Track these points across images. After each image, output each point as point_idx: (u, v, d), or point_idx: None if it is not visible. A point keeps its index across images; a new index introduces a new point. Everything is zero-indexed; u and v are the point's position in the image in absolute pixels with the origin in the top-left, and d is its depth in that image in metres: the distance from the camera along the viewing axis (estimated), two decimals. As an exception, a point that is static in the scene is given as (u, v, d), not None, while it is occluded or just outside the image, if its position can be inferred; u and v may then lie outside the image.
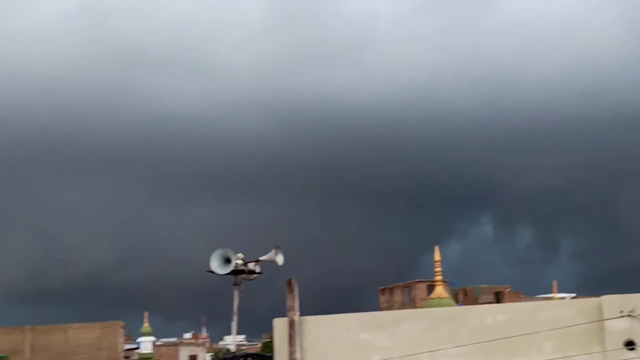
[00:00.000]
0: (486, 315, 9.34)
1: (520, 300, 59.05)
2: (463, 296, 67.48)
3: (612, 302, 8.59)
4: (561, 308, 9.30)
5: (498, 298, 67.21)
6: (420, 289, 67.92)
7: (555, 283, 41.68)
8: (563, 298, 44.01)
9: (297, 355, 9.54)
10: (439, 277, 19.43)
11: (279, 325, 9.70)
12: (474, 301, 63.61)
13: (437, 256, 19.46)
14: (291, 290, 9.35)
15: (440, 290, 18.91)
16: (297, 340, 9.53)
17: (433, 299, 18.88)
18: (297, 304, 9.44)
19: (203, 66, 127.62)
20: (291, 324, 9.44)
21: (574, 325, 8.74)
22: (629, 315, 8.38)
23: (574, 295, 54.77)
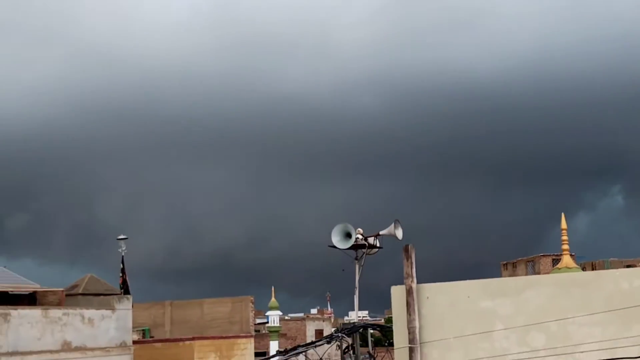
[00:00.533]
0: (622, 280, 8.63)
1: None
2: (591, 270, 64.54)
3: None
4: None
5: (631, 271, 63.73)
6: (545, 263, 65.51)
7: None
8: None
9: (415, 323, 9.27)
10: (565, 247, 18.41)
11: (397, 293, 9.45)
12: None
13: (563, 224, 18.43)
14: (408, 257, 9.07)
15: (567, 260, 17.89)
16: (415, 308, 9.25)
17: (560, 268, 17.91)
18: (414, 271, 9.15)
19: (322, 48, 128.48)
20: (409, 291, 9.17)
21: None
22: None
23: None
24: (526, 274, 70.33)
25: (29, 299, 25.12)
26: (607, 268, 66.38)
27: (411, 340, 9.29)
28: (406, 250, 9.18)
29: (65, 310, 23.44)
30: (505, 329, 8.78)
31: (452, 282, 9.49)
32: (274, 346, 30.44)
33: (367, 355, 14.01)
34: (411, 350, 9.27)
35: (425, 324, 9.34)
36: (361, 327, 13.40)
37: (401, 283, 9.51)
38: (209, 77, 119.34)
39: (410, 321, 9.25)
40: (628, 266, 66.42)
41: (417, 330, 9.28)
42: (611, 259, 68.81)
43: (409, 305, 9.26)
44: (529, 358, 8.58)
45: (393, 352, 9.78)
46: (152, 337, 32.83)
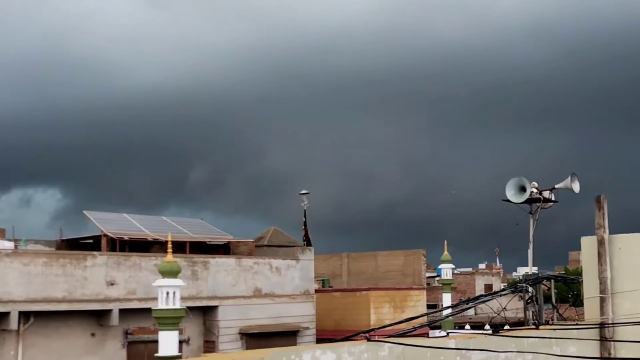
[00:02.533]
0: None
1: None
2: None
3: None
4: None
5: None
6: None
7: None
8: None
9: (607, 274, 9.41)
10: None
11: (587, 244, 9.62)
12: None
13: None
14: (600, 207, 9.19)
15: None
16: (607, 259, 9.39)
17: None
18: (606, 222, 9.27)
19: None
20: (600, 242, 9.31)
21: None
22: None
23: None
24: None
25: (224, 249, 27.50)
26: None
27: (602, 291, 9.46)
28: (598, 200, 9.30)
29: (256, 260, 25.45)
30: None
31: (644, 233, 9.50)
32: (446, 299, 30.96)
33: (551, 306, 14.17)
34: (602, 300, 9.45)
35: (616, 275, 9.46)
36: (545, 277, 13.57)
37: (576, 239, 9.66)
38: (373, 34, 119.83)
39: (601, 271, 9.41)
40: None
41: (608, 281, 9.43)
42: None
43: (600, 255, 9.41)
44: None
45: (576, 309, 9.94)
46: (331, 286, 34.57)
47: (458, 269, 71.38)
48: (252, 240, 28.01)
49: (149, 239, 25.12)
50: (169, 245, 18.30)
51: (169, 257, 18.10)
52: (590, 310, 9.69)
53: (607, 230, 9.30)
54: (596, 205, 9.22)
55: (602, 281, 9.36)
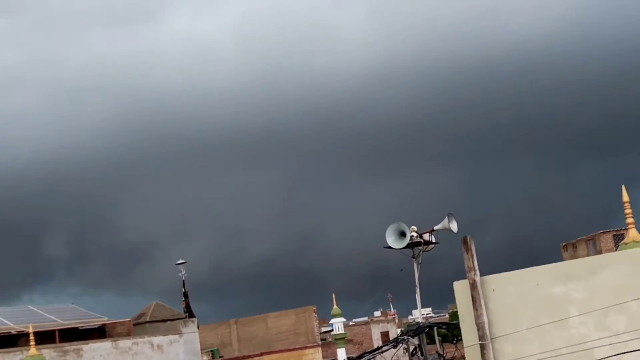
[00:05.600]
0: None
1: None
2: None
3: None
4: None
5: None
6: (606, 241, 63.45)
7: None
8: None
9: (484, 318, 8.86)
10: (629, 220, 17.60)
11: (460, 289, 9.07)
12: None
13: (625, 197, 17.65)
14: (468, 249, 8.69)
15: (633, 234, 17.10)
16: (482, 303, 8.85)
17: (627, 243, 17.14)
18: (475, 263, 8.76)
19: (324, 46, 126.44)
20: (472, 285, 8.78)
21: None
22: None
23: None
24: (587, 254, 68.40)
25: (99, 332, 25.49)
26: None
27: (481, 337, 8.90)
28: (465, 242, 8.79)
29: (135, 340, 23.68)
30: (581, 314, 8.32)
31: (518, 271, 9.06)
32: (341, 354, 30.19)
33: (437, 355, 13.62)
34: (482, 347, 8.88)
35: (494, 318, 8.93)
36: (426, 327, 13.02)
37: (463, 277, 9.13)
38: (247, 89, 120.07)
39: (478, 317, 8.86)
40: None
41: (486, 326, 8.88)
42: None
43: (474, 299, 8.87)
44: (611, 343, 8.10)
45: (462, 347, 9.40)
46: (222, 356, 32.94)
47: (353, 320, 70.91)
48: (129, 319, 26.20)
49: (13, 332, 23.01)
50: (32, 337, 16.91)
51: (32, 350, 16.97)
52: (473, 358, 9.12)
53: (477, 272, 8.80)
54: (463, 247, 8.71)
55: (480, 327, 8.80)
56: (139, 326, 26.26)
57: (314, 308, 35.77)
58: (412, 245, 17.27)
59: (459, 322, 9.61)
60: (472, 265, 8.74)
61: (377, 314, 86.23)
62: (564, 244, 72.25)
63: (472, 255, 8.73)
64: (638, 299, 8.02)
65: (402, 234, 17.48)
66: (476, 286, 8.78)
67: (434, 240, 17.92)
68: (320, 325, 42.26)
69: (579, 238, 70.40)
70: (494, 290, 8.93)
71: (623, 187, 19.22)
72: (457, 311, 9.52)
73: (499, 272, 9.17)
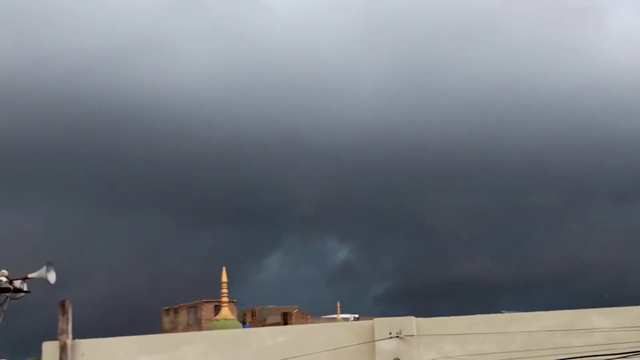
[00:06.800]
0: (267, 337, 9.46)
1: (306, 321, 60.70)
2: (251, 317, 67.98)
3: (382, 325, 9.11)
4: (337, 330, 9.68)
5: (285, 319, 68.51)
6: (207, 310, 67.25)
7: (339, 304, 43.48)
8: (346, 319, 45.99)
9: (68, 381, 8.97)
10: (225, 299, 19.39)
11: (49, 350, 9.09)
12: (262, 322, 64.31)
13: (223, 277, 19.47)
14: (64, 312, 8.80)
15: (225, 312, 18.90)
16: (69, 366, 8.97)
17: (218, 320, 18.82)
18: (70, 327, 8.90)
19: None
20: (62, 348, 8.87)
21: (348, 346, 9.13)
22: (397, 337, 8.92)
23: (356, 316, 57.35)
24: (188, 321, 71.30)
25: None
26: (266, 315, 70.27)
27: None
28: (62, 305, 8.90)
29: None
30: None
31: (109, 338, 9.45)
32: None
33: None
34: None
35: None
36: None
37: (54, 329, 9.19)
38: None
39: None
40: (284, 313, 71.02)
41: (69, 389, 8.99)
42: (270, 306, 72.66)
43: (62, 362, 8.96)
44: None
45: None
46: None
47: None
48: None
49: None
50: None
51: None
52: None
53: (70, 336, 8.94)
54: (60, 310, 8.82)
55: (63, 390, 8.88)
56: None
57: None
58: (-1, 290, 16.32)
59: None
60: (65, 329, 8.87)
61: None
62: (166, 308, 73.97)
63: (67, 319, 8.87)
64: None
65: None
66: (66, 349, 8.90)
67: (25, 289, 17.26)
68: None
69: (182, 304, 72.91)
70: (83, 354, 9.14)
71: (224, 269, 21.12)
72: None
73: (97, 327, 9.43)
